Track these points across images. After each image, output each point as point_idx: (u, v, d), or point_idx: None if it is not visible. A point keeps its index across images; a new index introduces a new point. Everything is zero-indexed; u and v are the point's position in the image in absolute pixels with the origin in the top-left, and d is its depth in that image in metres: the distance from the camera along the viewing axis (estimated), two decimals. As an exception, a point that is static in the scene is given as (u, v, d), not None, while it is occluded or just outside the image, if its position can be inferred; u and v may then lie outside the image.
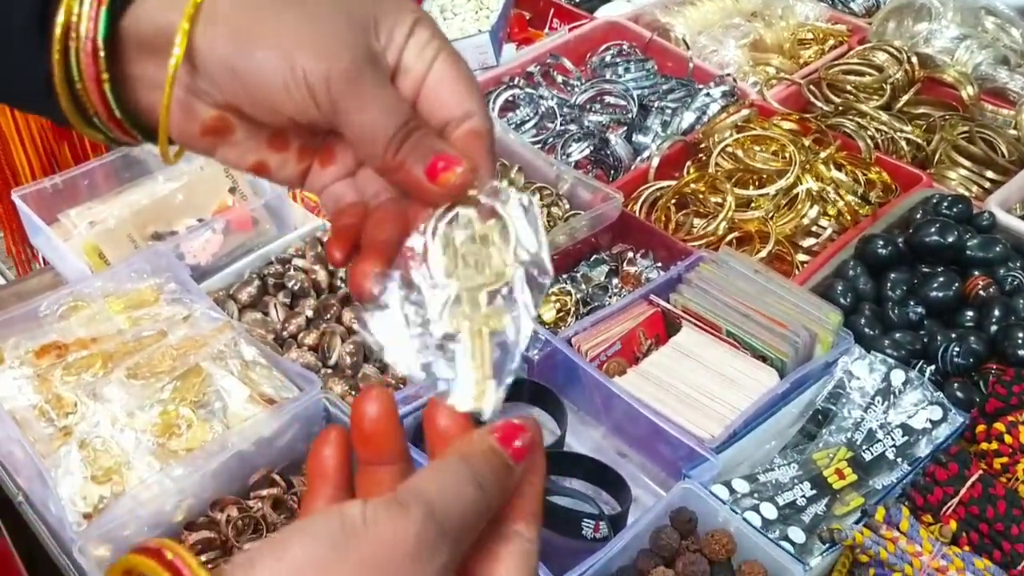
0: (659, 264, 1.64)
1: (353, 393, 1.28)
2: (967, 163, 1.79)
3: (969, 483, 1.10)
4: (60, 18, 0.51)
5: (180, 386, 1.22)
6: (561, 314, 1.51)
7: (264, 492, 1.16)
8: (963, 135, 1.84)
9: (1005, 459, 1.15)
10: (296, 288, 1.42)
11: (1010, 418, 1.17)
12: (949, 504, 1.10)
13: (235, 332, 1.27)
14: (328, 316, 1.39)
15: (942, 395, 1.31)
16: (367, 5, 0.52)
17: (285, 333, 1.37)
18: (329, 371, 1.32)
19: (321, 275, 1.45)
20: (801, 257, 1.67)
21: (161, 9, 0.51)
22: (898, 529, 1.08)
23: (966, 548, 1.08)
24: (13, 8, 0.51)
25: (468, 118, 0.54)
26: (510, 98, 1.97)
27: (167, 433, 1.19)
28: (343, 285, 1.45)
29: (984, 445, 1.17)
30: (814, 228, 1.68)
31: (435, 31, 0.54)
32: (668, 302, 1.45)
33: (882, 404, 1.32)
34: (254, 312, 1.40)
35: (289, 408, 1.19)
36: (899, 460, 1.26)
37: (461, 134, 0.54)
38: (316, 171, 0.58)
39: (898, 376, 1.33)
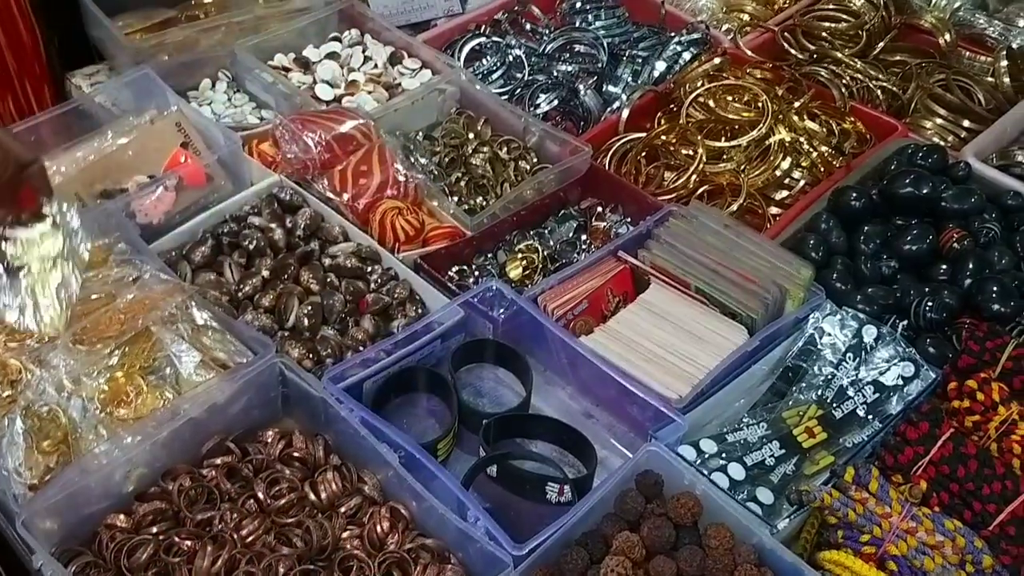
0: (628, 219, 1.59)
1: (311, 357, 1.24)
2: (943, 112, 1.76)
3: (940, 442, 1.08)
4: None
5: (129, 351, 1.17)
6: (528, 271, 1.47)
7: (218, 460, 1.12)
8: (940, 83, 1.80)
9: (977, 417, 1.12)
10: (252, 247, 1.37)
11: (983, 375, 1.14)
12: (920, 464, 1.08)
13: (186, 294, 1.22)
14: (285, 276, 1.35)
15: (914, 351, 1.28)
16: None
17: (240, 294, 1.32)
18: (286, 334, 1.28)
19: (278, 234, 1.39)
20: (774, 210, 1.63)
21: None
22: (867, 490, 1.06)
23: (936, 509, 1.06)
24: None
25: None
26: (476, 47, 1.90)
27: (116, 401, 1.14)
28: (301, 244, 1.40)
29: (956, 403, 1.14)
30: (787, 180, 1.64)
31: None
32: (637, 258, 1.42)
33: (853, 361, 1.30)
34: (208, 273, 1.35)
35: (243, 373, 1.14)
36: (870, 417, 1.24)
37: None
38: None
39: (870, 332, 1.30)
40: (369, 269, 1.37)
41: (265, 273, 1.34)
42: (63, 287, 1.15)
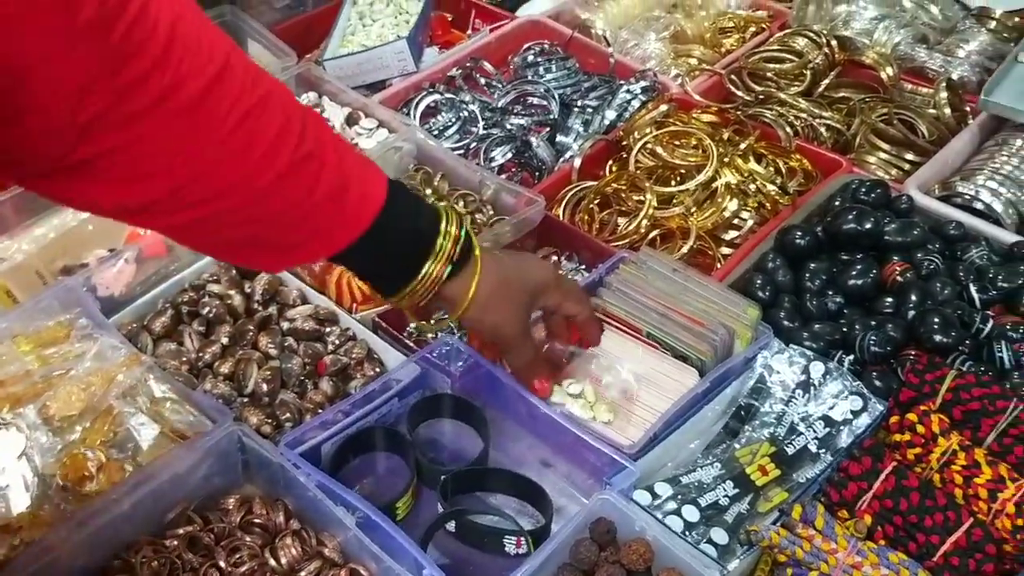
0: (583, 266, 1.63)
1: (270, 422, 1.26)
2: (885, 146, 1.80)
3: (882, 476, 1.10)
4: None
5: (90, 427, 1.20)
6: (485, 324, 1.50)
7: (180, 531, 1.14)
8: (882, 117, 1.85)
9: (919, 449, 1.15)
10: (211, 315, 1.40)
11: (923, 407, 1.17)
12: (864, 498, 1.10)
13: (143, 366, 1.24)
14: (244, 342, 1.37)
15: (861, 384, 1.31)
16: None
17: (200, 363, 1.35)
18: (245, 400, 1.30)
19: (236, 300, 1.42)
20: (724, 250, 1.67)
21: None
22: (814, 527, 1.08)
23: (881, 542, 1.09)
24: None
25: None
26: (432, 104, 1.95)
27: (78, 476, 1.16)
28: (260, 309, 1.43)
29: (897, 436, 1.17)
30: (735, 221, 1.68)
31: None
32: (590, 306, 1.45)
33: (803, 397, 1.33)
34: (169, 343, 1.38)
35: (202, 443, 1.17)
36: (822, 452, 1.27)
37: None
38: None
39: (817, 368, 1.34)
40: (327, 331, 1.40)
41: (224, 340, 1.37)
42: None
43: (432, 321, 1.22)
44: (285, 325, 1.40)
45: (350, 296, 1.45)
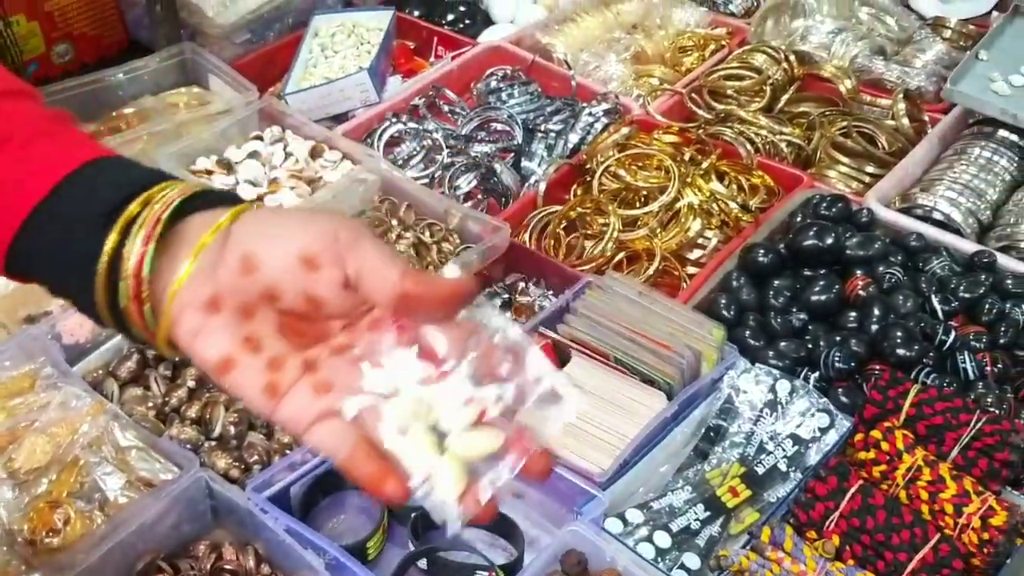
0: (551, 291, 1.64)
1: (238, 466, 1.26)
2: (845, 160, 1.82)
3: (848, 495, 1.11)
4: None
5: (56, 479, 1.19)
6: (453, 355, 1.50)
7: (150, 580, 1.13)
8: (841, 131, 1.87)
9: (884, 466, 1.16)
10: (176, 360, 1.39)
11: (887, 424, 1.18)
12: (831, 518, 1.11)
13: (108, 414, 1.24)
14: (211, 384, 1.37)
15: (828, 401, 1.32)
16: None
17: (167, 407, 1.34)
18: (213, 443, 1.29)
19: (203, 342, 1.41)
20: (690, 270, 1.68)
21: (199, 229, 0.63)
22: (783, 549, 1.08)
23: (850, 562, 1.09)
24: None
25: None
26: (395, 134, 1.95)
27: (45, 530, 1.15)
28: (227, 350, 1.42)
29: (862, 454, 1.18)
30: (700, 240, 1.69)
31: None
32: (558, 333, 1.45)
33: (771, 416, 1.34)
34: (135, 388, 1.37)
35: (169, 491, 1.16)
36: (791, 470, 1.28)
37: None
38: (305, 397, 0.63)
39: (784, 387, 1.35)
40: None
41: (191, 383, 1.36)
42: None
43: None
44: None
45: (316, 333, 1.45)
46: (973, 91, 1.79)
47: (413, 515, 1.19)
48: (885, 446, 1.16)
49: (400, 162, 1.90)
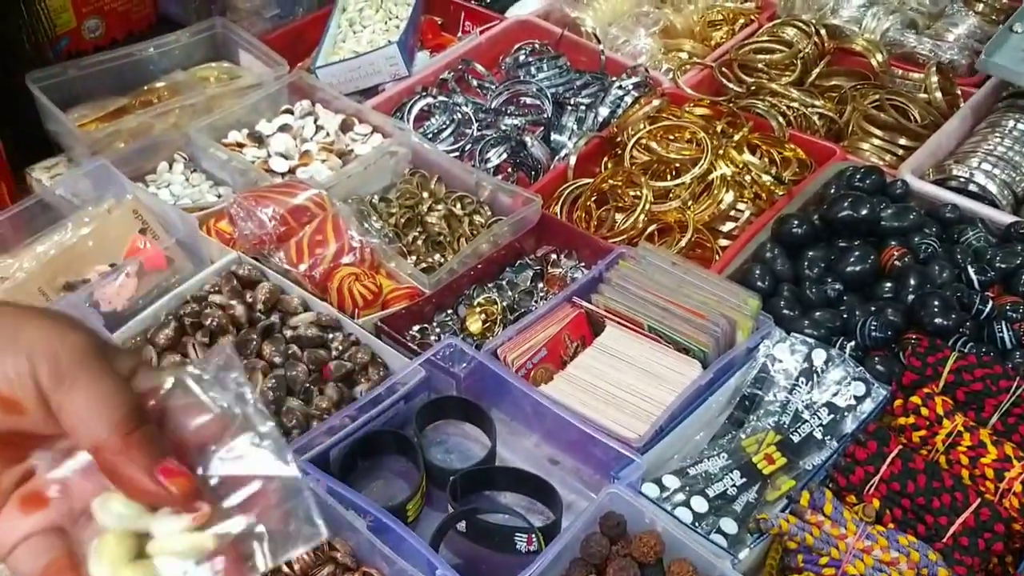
0: (583, 263, 1.64)
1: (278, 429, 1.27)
2: (879, 132, 1.81)
3: (888, 460, 1.11)
4: None
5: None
6: (488, 324, 1.51)
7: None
8: (874, 104, 1.86)
9: (923, 432, 1.16)
10: (214, 326, 1.40)
11: (926, 390, 1.18)
12: (871, 483, 1.11)
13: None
14: (248, 351, 1.38)
15: (864, 370, 1.32)
16: None
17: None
18: (252, 409, 1.30)
19: (239, 310, 1.43)
20: (722, 242, 1.68)
21: None
22: (823, 513, 1.09)
23: (890, 526, 1.09)
24: None
25: None
26: (425, 107, 1.96)
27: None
28: (263, 317, 1.43)
29: (902, 420, 1.18)
30: (732, 212, 1.69)
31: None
32: (591, 303, 1.46)
33: (806, 385, 1.34)
34: (173, 354, 1.38)
35: (210, 453, 1.17)
36: (827, 439, 1.28)
37: None
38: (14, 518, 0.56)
39: (819, 355, 1.34)
40: (330, 336, 1.40)
41: (229, 351, 1.37)
42: None
43: None
44: (288, 333, 1.40)
45: (351, 302, 1.46)
46: (1008, 63, 1.77)
47: (452, 478, 1.20)
48: (924, 412, 1.15)
49: (430, 136, 1.90)
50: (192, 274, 1.52)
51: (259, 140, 1.86)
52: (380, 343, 1.40)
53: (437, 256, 1.64)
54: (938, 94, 1.87)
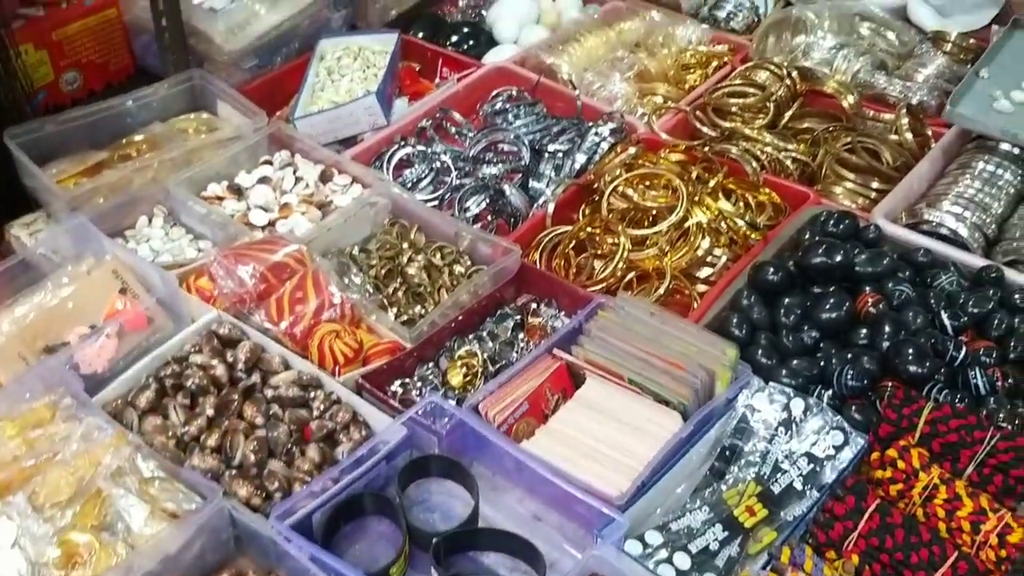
0: (563, 312, 1.65)
1: (259, 494, 1.27)
2: (851, 175, 1.84)
3: (867, 515, 1.12)
4: None
5: (80, 511, 1.20)
6: (469, 377, 1.51)
7: (175, 610, 1.14)
8: (846, 147, 1.88)
9: (900, 485, 1.17)
10: (195, 387, 1.40)
11: (902, 442, 1.19)
12: (850, 538, 1.12)
13: (130, 446, 1.25)
14: (230, 413, 1.38)
15: (841, 419, 1.34)
16: None
17: (186, 436, 1.35)
18: (234, 472, 1.30)
19: (220, 370, 1.43)
20: (700, 288, 1.69)
21: None
22: (803, 570, 1.10)
23: (870, 580, 1.10)
24: None
25: None
26: (404, 157, 1.97)
27: (71, 563, 1.16)
28: (243, 377, 1.44)
29: (879, 473, 1.19)
30: (709, 258, 1.71)
31: None
32: (571, 354, 1.47)
33: (785, 434, 1.35)
34: (154, 417, 1.38)
35: (192, 521, 1.17)
36: (807, 489, 1.29)
37: None
38: None
39: (798, 405, 1.36)
40: (311, 396, 1.40)
41: (210, 412, 1.37)
42: None
43: None
44: (269, 392, 1.41)
45: (332, 360, 1.46)
46: (974, 111, 1.81)
47: (435, 541, 1.20)
48: (901, 465, 1.17)
49: (409, 185, 1.92)
50: (172, 333, 1.52)
51: (239, 192, 1.86)
52: (361, 401, 1.41)
53: (418, 308, 1.65)
54: (909, 135, 1.89)
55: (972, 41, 2.13)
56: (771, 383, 1.39)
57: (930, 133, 1.92)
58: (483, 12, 2.45)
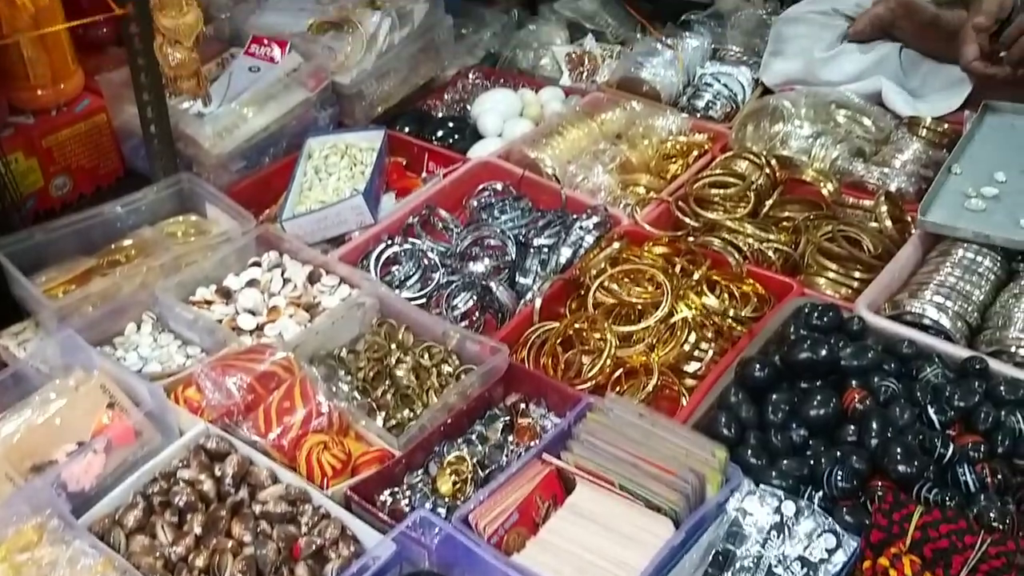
0: (552, 411, 1.65)
1: (248, 618, 1.25)
2: (832, 265, 1.86)
3: (861, 627, 1.11)
4: None
5: (65, 642, 1.18)
6: (458, 484, 1.51)
7: None
8: (827, 236, 1.91)
9: (893, 594, 1.16)
10: (183, 504, 1.40)
11: (893, 550, 1.19)
12: (845, 652, 1.11)
13: (117, 572, 1.24)
14: (217, 530, 1.37)
15: (833, 521, 1.33)
16: None
17: (174, 556, 1.34)
18: (222, 594, 1.29)
19: (208, 485, 1.42)
20: (688, 382, 1.70)
21: None
22: None
23: None
24: None
25: None
26: (391, 255, 1.99)
27: None
28: (232, 491, 1.43)
29: (872, 582, 1.18)
30: (695, 353, 1.72)
31: None
32: (561, 457, 1.46)
33: (778, 538, 1.34)
34: (142, 536, 1.37)
35: (180, 650, 1.15)
36: (802, 594, 1.28)
37: None
38: None
39: (789, 507, 1.35)
40: (300, 510, 1.40)
41: (197, 530, 1.36)
42: None
43: None
44: (257, 508, 1.40)
45: (320, 472, 1.46)
46: (946, 215, 1.82)
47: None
48: (893, 574, 1.16)
49: (397, 283, 1.93)
50: (161, 446, 1.51)
51: (227, 295, 1.87)
52: (350, 516, 1.40)
53: (406, 411, 1.65)
54: (888, 223, 1.92)
55: (947, 126, 2.17)
56: (762, 485, 1.39)
57: (910, 219, 1.95)
58: (468, 106, 2.50)
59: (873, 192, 2.04)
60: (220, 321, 1.80)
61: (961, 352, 1.59)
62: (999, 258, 1.77)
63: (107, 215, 1.99)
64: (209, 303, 1.86)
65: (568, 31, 2.82)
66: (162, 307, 1.84)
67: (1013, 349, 1.59)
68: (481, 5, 2.91)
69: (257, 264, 1.95)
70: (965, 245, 1.79)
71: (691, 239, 1.92)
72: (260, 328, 1.81)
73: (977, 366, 1.54)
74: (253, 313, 1.83)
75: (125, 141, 2.26)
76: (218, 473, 1.44)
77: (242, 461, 1.46)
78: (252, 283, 1.89)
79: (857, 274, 1.84)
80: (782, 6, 2.66)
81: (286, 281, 1.91)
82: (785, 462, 1.43)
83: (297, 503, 1.40)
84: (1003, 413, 1.45)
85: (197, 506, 1.40)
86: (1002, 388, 1.49)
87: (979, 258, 1.76)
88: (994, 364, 1.55)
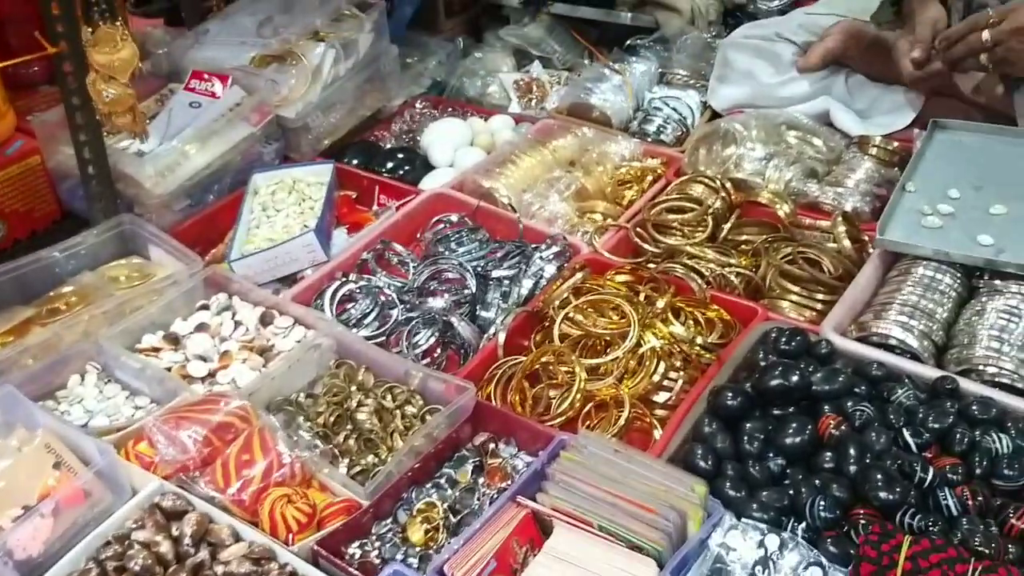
0: (522, 450, 1.60)
1: None
2: (795, 288, 1.85)
3: (859, 666, 1.08)
4: None
5: None
6: (430, 532, 1.45)
7: None
8: (787, 259, 1.90)
9: (888, 628, 1.14)
10: (139, 568, 1.31)
11: (884, 582, 1.16)
12: None
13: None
14: (175, 593, 1.29)
15: (818, 553, 1.30)
16: None
17: (131, 627, 1.25)
18: (186, 666, 1.21)
19: (165, 546, 1.34)
20: (659, 413, 1.67)
21: None
22: None
23: None
24: None
25: None
26: (347, 293, 1.93)
27: None
28: (191, 552, 1.35)
29: (865, 617, 1.16)
30: (665, 382, 1.69)
31: None
32: (536, 499, 1.41)
33: (763, 573, 1.31)
34: (96, 607, 1.28)
35: None
36: (790, 631, 1.25)
37: None
38: None
39: (772, 541, 1.32)
40: (265, 569, 1.32)
41: (154, 597, 1.28)
42: None
43: None
44: (220, 569, 1.32)
45: (285, 527, 1.38)
46: (904, 232, 1.82)
47: None
48: (887, 607, 1.14)
49: (353, 322, 1.87)
50: (112, 506, 1.43)
51: (176, 342, 1.79)
52: (318, 573, 1.33)
53: (371, 457, 1.59)
54: (847, 243, 1.92)
55: (896, 144, 2.19)
56: (743, 519, 1.36)
57: (867, 239, 1.95)
58: (417, 137, 2.45)
59: (829, 212, 2.05)
60: (169, 369, 1.72)
61: (930, 372, 1.59)
62: (959, 275, 1.77)
63: (45, 261, 1.90)
64: (157, 350, 1.78)
65: (514, 58, 2.81)
66: (107, 357, 1.75)
67: (981, 367, 1.59)
68: (426, 34, 2.87)
69: (206, 307, 1.87)
70: (924, 263, 1.79)
71: (652, 266, 1.90)
72: (212, 375, 1.73)
73: (948, 386, 1.53)
74: (204, 359, 1.75)
75: (61, 183, 2.16)
76: (176, 533, 1.37)
77: (201, 519, 1.38)
78: (201, 327, 1.81)
79: (820, 296, 1.84)
80: (726, 30, 2.68)
81: (237, 324, 1.83)
82: (765, 493, 1.41)
83: (262, 561, 1.33)
84: (978, 433, 1.45)
85: (155, 570, 1.32)
86: (974, 408, 1.49)
87: (939, 275, 1.77)
88: (964, 383, 1.55)
